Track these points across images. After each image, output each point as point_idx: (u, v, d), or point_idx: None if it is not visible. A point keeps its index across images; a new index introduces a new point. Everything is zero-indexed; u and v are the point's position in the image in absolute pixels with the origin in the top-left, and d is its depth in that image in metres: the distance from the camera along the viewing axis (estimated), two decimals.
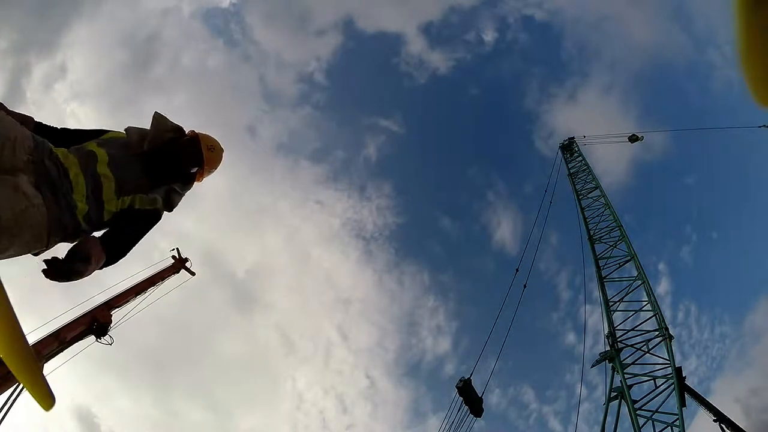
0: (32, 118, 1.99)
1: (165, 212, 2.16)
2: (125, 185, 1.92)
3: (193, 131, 2.34)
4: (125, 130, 2.14)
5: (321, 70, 43.24)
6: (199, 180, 2.35)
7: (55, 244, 1.74)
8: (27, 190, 1.55)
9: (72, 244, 1.71)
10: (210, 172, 2.38)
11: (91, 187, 1.80)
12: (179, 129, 2.24)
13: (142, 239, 2.05)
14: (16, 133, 1.62)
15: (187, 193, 2.32)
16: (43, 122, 2.04)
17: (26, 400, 6.65)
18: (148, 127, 2.15)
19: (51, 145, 1.77)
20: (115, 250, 1.90)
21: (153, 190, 2.05)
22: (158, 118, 2.16)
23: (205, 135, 2.32)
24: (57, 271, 1.55)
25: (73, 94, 33.34)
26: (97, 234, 1.91)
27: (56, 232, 1.68)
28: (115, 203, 1.90)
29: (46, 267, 1.55)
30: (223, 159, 2.42)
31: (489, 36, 44.78)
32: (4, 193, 1.47)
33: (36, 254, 1.69)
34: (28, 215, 1.52)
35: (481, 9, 45.06)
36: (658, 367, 12.22)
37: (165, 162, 2.11)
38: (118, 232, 1.94)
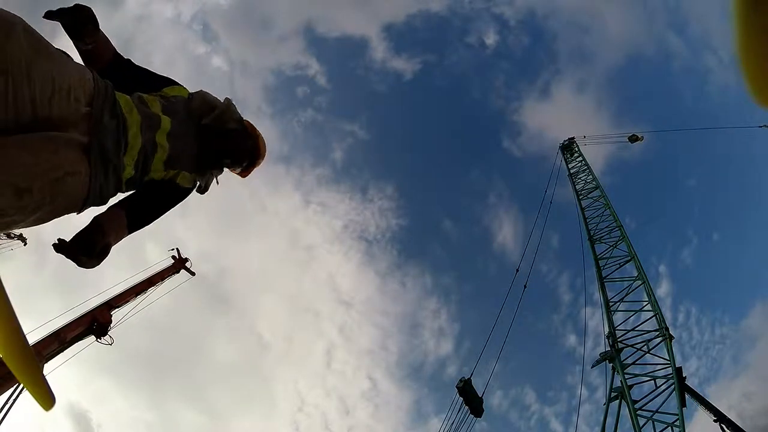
0: (113, 48, 1.79)
1: (198, 194, 2.08)
2: (176, 159, 1.79)
3: (254, 127, 2.21)
4: (193, 92, 1.97)
5: (319, 74, 43.32)
6: (244, 176, 2.31)
7: (89, 207, 1.56)
8: (69, 155, 1.34)
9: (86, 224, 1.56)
10: (251, 172, 2.34)
11: (143, 152, 1.64)
12: (243, 122, 2.09)
13: (166, 214, 1.95)
14: (74, 79, 1.38)
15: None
16: (119, 53, 1.85)
17: (26, 400, 6.66)
18: (218, 100, 2.00)
19: (116, 92, 1.57)
20: (139, 220, 1.78)
21: (197, 169, 1.95)
22: (230, 104, 2.01)
23: (263, 139, 2.24)
24: (65, 253, 1.43)
25: None
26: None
27: (94, 200, 1.51)
28: (160, 174, 1.78)
29: (57, 243, 1.43)
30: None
31: (486, 39, 44.82)
32: (42, 156, 1.26)
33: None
34: (64, 185, 1.34)
35: (478, 10, 45.12)
36: (659, 367, 12.24)
37: (218, 148, 1.97)
38: (147, 201, 1.81)
